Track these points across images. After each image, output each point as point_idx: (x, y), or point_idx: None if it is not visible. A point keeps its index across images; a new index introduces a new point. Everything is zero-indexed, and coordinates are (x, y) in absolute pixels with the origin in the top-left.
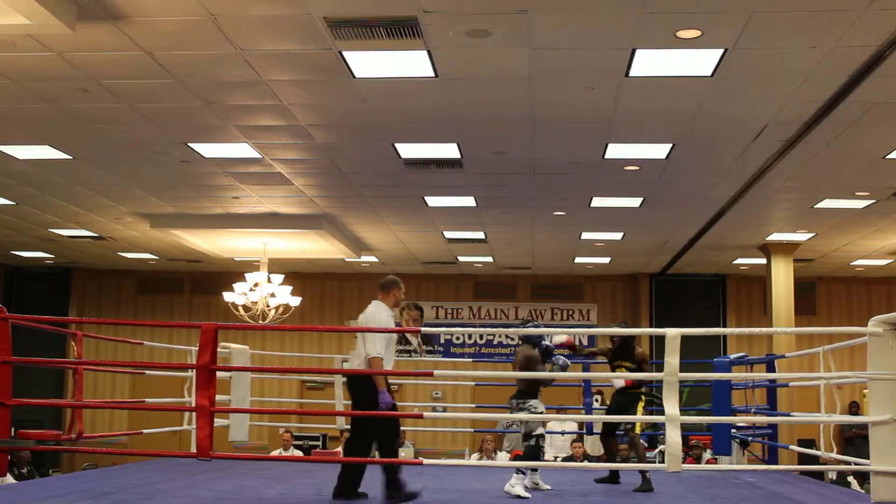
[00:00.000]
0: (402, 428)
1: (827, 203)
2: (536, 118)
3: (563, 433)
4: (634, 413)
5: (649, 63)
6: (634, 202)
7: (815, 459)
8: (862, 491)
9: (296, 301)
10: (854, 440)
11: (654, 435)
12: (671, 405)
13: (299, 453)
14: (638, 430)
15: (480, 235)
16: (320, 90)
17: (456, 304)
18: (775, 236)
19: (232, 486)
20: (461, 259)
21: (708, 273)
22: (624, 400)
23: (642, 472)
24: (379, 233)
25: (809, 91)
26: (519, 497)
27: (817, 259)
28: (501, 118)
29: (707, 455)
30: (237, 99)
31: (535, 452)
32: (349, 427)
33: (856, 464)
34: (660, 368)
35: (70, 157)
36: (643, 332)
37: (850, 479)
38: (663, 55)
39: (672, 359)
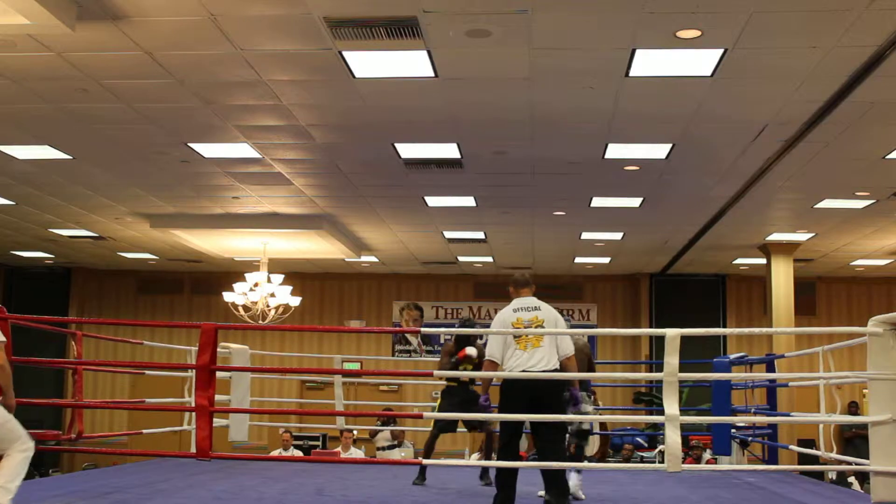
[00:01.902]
0: (401, 428)
1: (827, 203)
2: (536, 118)
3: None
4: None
5: (649, 63)
6: (634, 202)
7: (815, 459)
8: (862, 491)
9: (296, 301)
10: (854, 440)
11: (654, 435)
12: (671, 405)
13: (299, 453)
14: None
15: (480, 235)
16: (320, 90)
17: (456, 304)
18: (775, 236)
19: (232, 486)
20: (461, 259)
21: (708, 273)
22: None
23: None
24: (379, 233)
25: (809, 91)
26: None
27: (817, 259)
28: (501, 118)
29: (707, 455)
30: (237, 99)
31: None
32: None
33: (856, 464)
34: (659, 369)
35: (70, 157)
36: (643, 332)
37: (851, 479)
38: (663, 55)
39: (672, 359)
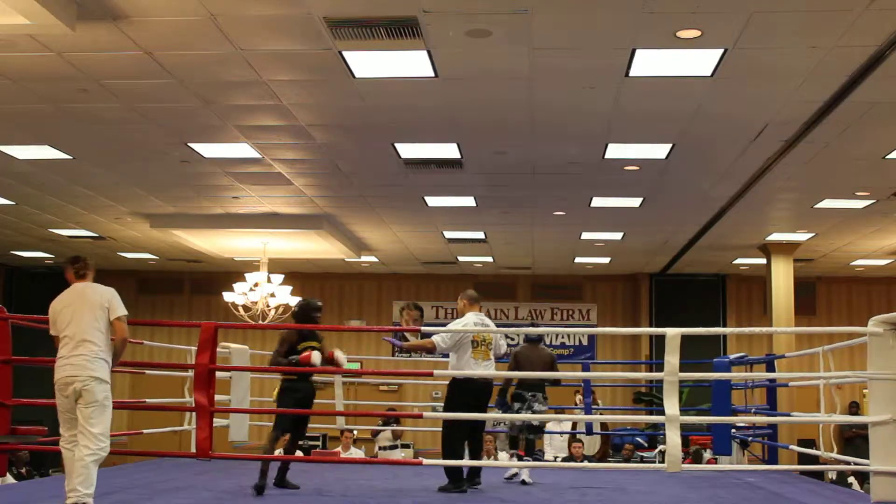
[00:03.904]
0: (401, 428)
1: (827, 203)
2: (536, 118)
3: (561, 433)
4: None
5: (649, 63)
6: (634, 202)
7: (815, 459)
8: (862, 491)
9: (296, 301)
10: (854, 440)
11: (654, 435)
12: (671, 405)
13: (299, 453)
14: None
15: (480, 235)
16: (320, 90)
17: (456, 304)
18: (775, 236)
19: (232, 486)
20: (461, 259)
21: (708, 273)
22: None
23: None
24: (379, 233)
25: (809, 91)
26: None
27: (817, 259)
28: (501, 118)
29: (707, 455)
30: (237, 99)
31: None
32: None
33: (856, 464)
34: (660, 369)
35: (70, 157)
36: (643, 332)
37: (851, 479)
38: (663, 55)
39: (672, 358)
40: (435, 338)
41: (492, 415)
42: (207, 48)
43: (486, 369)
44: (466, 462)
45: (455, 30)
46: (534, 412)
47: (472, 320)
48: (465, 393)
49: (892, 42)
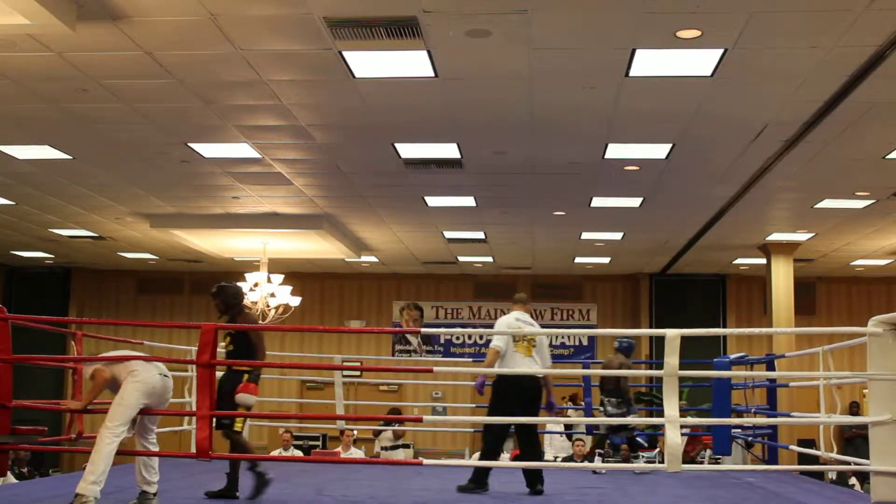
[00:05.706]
0: (403, 428)
1: (827, 203)
2: (536, 118)
3: (562, 433)
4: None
5: (649, 63)
6: (634, 202)
7: (815, 459)
8: (862, 491)
9: (296, 301)
10: (854, 440)
11: (654, 435)
12: (671, 406)
13: (299, 453)
14: (238, 426)
15: (480, 235)
16: (320, 90)
17: (456, 304)
18: (775, 236)
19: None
20: (461, 259)
21: (708, 273)
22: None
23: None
24: (379, 233)
25: (809, 91)
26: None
27: (817, 259)
28: (501, 118)
29: (707, 455)
30: (237, 99)
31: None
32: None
33: (856, 464)
34: (660, 369)
35: (70, 157)
36: (643, 332)
37: (852, 479)
38: (663, 55)
39: (672, 359)
40: (493, 346)
41: (498, 418)
42: (207, 48)
43: (530, 364)
44: (470, 462)
45: (455, 30)
46: (607, 414)
47: (513, 317)
48: (511, 392)
49: (892, 42)
